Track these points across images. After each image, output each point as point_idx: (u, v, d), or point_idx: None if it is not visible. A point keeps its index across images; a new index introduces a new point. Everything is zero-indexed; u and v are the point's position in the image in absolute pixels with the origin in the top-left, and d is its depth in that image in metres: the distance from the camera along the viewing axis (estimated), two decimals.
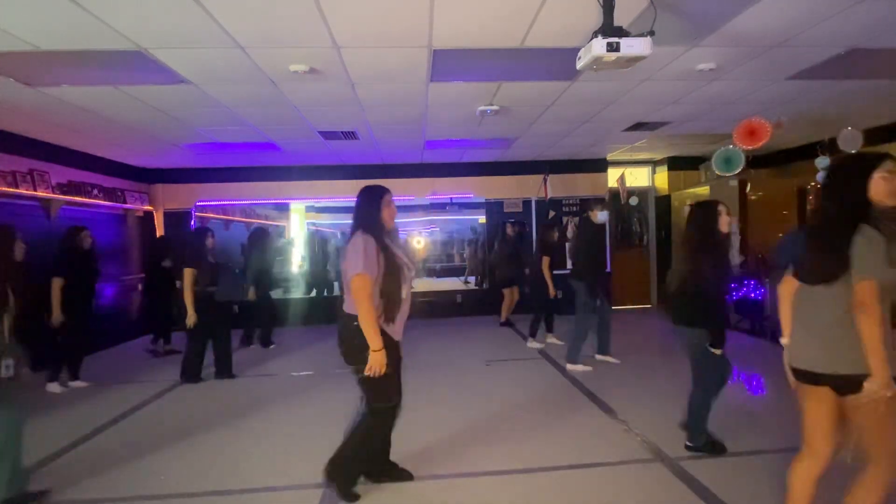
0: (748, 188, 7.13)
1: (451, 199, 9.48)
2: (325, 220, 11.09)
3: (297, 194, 8.35)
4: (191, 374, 4.98)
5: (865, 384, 1.78)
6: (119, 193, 7.03)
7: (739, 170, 5.67)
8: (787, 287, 2.07)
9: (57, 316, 4.57)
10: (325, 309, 7.93)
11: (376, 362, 2.43)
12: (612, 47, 2.55)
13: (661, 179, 8.79)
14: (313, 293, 9.13)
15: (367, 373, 2.44)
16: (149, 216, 7.79)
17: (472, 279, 10.12)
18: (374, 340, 2.41)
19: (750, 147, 5.09)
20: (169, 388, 4.80)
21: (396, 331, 2.61)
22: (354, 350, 2.48)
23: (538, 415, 3.83)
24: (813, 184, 6.53)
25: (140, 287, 6.37)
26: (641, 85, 4.40)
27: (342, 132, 5.84)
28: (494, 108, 4.95)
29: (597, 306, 4.96)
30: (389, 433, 2.81)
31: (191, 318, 4.70)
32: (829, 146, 6.07)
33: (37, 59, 3.38)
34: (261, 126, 5.46)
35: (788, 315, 2.07)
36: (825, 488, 2.04)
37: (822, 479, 2.00)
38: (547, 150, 7.39)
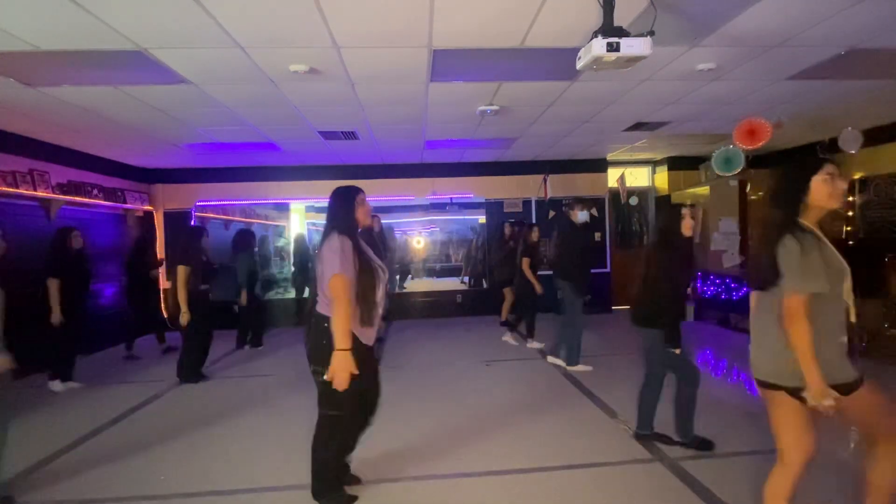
0: (748, 188, 7.14)
1: (451, 199, 9.47)
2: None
3: (297, 194, 8.34)
4: (189, 373, 4.99)
5: (804, 395, 1.78)
6: (119, 193, 7.03)
7: (739, 170, 5.68)
8: (754, 295, 2.08)
9: (56, 315, 4.58)
10: None
11: (340, 362, 2.31)
12: (612, 47, 2.55)
13: (661, 179, 8.79)
14: (306, 293, 9.12)
15: (327, 377, 2.34)
16: (149, 216, 7.80)
17: (467, 279, 10.12)
18: (342, 340, 2.33)
19: (750, 147, 5.09)
20: (169, 388, 4.80)
21: (369, 336, 2.54)
22: (319, 351, 2.40)
23: (538, 415, 3.83)
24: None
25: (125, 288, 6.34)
26: (641, 85, 4.41)
27: (342, 132, 5.84)
28: (494, 108, 4.95)
29: (575, 306, 4.95)
30: (352, 442, 2.68)
31: (184, 317, 4.71)
32: (829, 146, 6.08)
33: (37, 59, 3.38)
34: (261, 126, 5.46)
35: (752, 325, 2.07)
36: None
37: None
38: (547, 150, 7.39)
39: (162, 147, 6.31)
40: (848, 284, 1.86)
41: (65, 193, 5.95)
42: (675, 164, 8.48)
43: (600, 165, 8.44)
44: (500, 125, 5.75)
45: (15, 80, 3.78)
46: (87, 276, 5.05)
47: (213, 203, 8.38)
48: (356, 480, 2.83)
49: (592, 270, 8.02)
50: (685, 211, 3.01)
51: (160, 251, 7.69)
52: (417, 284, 10.14)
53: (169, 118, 5.00)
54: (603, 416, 3.78)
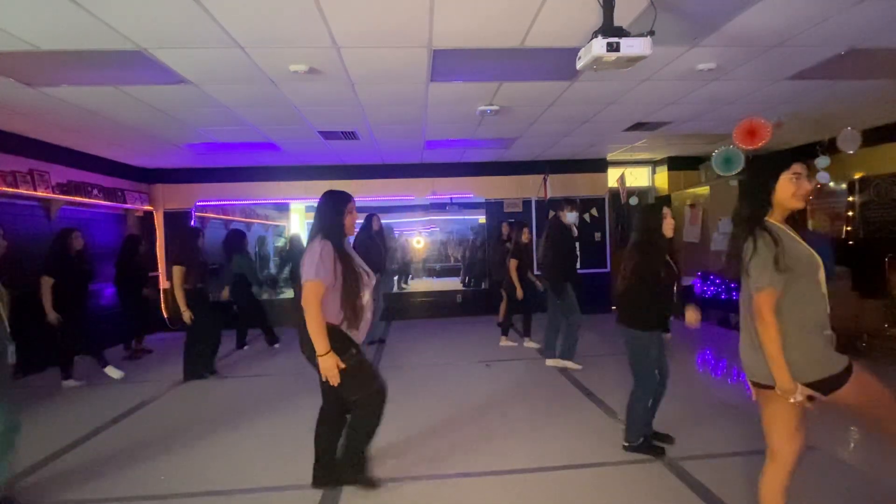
0: None
1: (451, 199, 9.48)
2: None
3: (297, 194, 8.34)
4: (193, 371, 5.03)
5: (776, 391, 1.81)
6: (119, 193, 7.03)
7: (739, 170, 5.68)
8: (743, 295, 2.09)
9: (50, 313, 4.62)
10: None
11: (324, 365, 2.43)
12: (612, 47, 2.55)
13: (661, 179, 8.79)
14: None
15: (324, 378, 2.48)
16: (149, 216, 7.80)
17: (466, 279, 10.13)
18: (320, 345, 2.41)
19: (750, 147, 5.09)
20: (169, 388, 4.80)
21: (359, 336, 2.60)
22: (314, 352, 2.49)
23: (538, 415, 3.83)
24: (813, 184, 6.54)
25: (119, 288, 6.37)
26: (641, 85, 4.41)
27: (342, 132, 5.84)
28: (494, 108, 4.95)
29: (565, 305, 4.97)
30: (379, 417, 2.75)
31: (185, 315, 4.75)
32: (829, 146, 6.08)
33: (37, 59, 3.38)
34: (261, 126, 5.46)
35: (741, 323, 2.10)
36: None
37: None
38: (547, 150, 7.39)
39: (162, 147, 6.32)
40: (822, 276, 1.88)
41: (65, 193, 5.95)
42: (675, 164, 8.49)
43: (600, 165, 8.44)
44: (500, 125, 5.75)
45: (15, 80, 3.78)
46: (87, 276, 5.09)
47: (213, 203, 8.39)
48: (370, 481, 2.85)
49: (592, 270, 8.13)
50: (666, 210, 3.01)
51: (160, 251, 7.71)
52: (417, 284, 10.14)
53: (169, 118, 5.00)
54: (603, 416, 3.78)
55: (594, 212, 8.46)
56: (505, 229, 7.00)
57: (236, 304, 6.32)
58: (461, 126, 5.76)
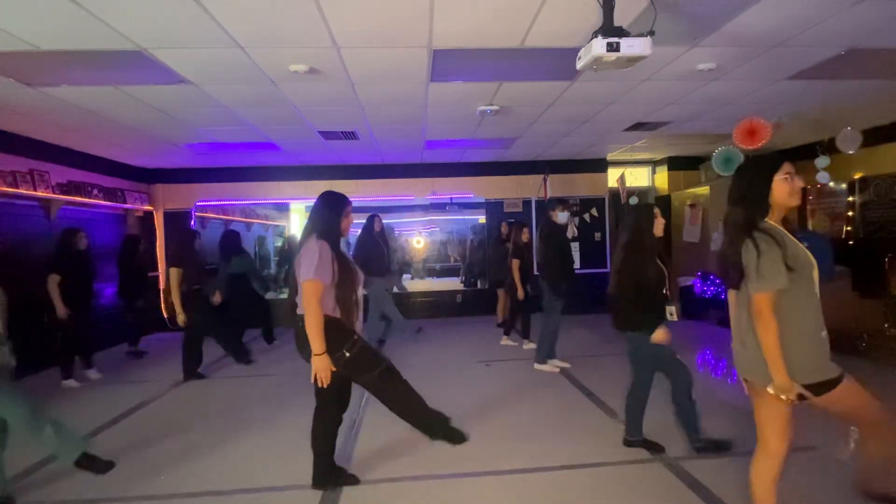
0: None
1: (451, 199, 9.48)
2: None
3: (297, 194, 8.34)
4: (192, 371, 5.05)
5: (769, 388, 1.85)
6: (119, 193, 7.03)
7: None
8: (731, 294, 2.10)
9: (61, 309, 4.68)
10: None
11: (319, 366, 2.46)
12: (612, 47, 2.55)
13: (661, 179, 8.80)
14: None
15: (313, 379, 2.50)
16: (149, 216, 7.80)
17: (464, 279, 10.14)
18: (317, 345, 2.44)
19: (750, 147, 5.09)
20: (169, 388, 4.81)
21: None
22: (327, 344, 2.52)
23: (537, 415, 3.83)
24: (813, 184, 6.54)
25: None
26: (641, 85, 4.41)
27: (342, 132, 5.84)
28: (494, 108, 4.95)
29: (549, 305, 4.96)
30: (405, 386, 2.82)
31: (180, 317, 4.77)
32: (829, 146, 6.08)
33: (37, 59, 3.38)
34: (261, 126, 5.46)
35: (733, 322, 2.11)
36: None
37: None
38: (547, 150, 7.39)
39: (162, 147, 6.31)
40: (816, 276, 1.91)
41: (65, 193, 5.95)
42: (675, 164, 8.49)
43: (600, 165, 8.44)
44: (500, 125, 5.75)
45: (15, 80, 3.78)
46: (90, 275, 5.12)
47: (213, 203, 8.39)
48: (354, 480, 2.84)
49: (592, 270, 8.13)
50: (656, 210, 3.02)
51: (160, 251, 7.71)
52: (417, 284, 10.14)
53: (169, 118, 5.00)
54: (603, 416, 3.78)
55: (594, 212, 8.46)
56: (504, 229, 7.01)
57: (233, 305, 6.31)
58: (461, 126, 5.76)
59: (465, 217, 10.81)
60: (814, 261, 1.90)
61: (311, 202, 2.77)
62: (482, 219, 9.16)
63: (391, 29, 3.12)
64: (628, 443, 3.20)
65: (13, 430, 2.77)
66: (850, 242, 6.29)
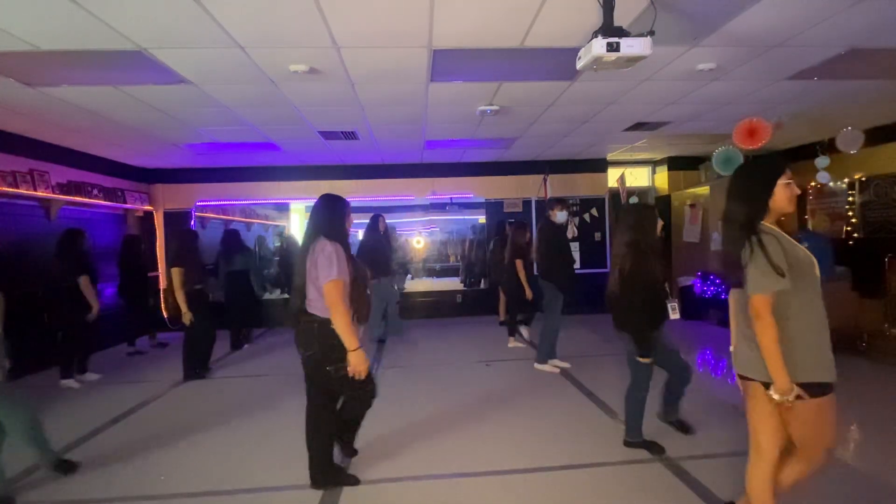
0: None
1: (451, 199, 9.47)
2: None
3: (297, 194, 8.35)
4: (192, 371, 5.07)
5: (770, 390, 1.86)
6: (119, 193, 7.03)
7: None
8: (734, 293, 2.10)
9: (96, 306, 4.93)
10: None
11: (358, 361, 2.55)
12: (612, 47, 2.55)
13: (661, 179, 8.80)
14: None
15: (352, 373, 2.57)
16: (149, 216, 7.80)
17: (463, 279, 10.15)
18: (352, 342, 2.54)
19: (750, 147, 5.09)
20: (169, 388, 4.81)
21: (358, 332, 2.72)
22: (334, 350, 2.56)
23: (538, 415, 3.83)
24: (813, 184, 6.55)
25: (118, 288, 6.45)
26: (641, 85, 4.41)
27: (342, 132, 5.84)
28: (494, 108, 4.95)
29: (550, 305, 4.99)
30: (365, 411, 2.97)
31: (186, 316, 4.79)
32: (829, 146, 6.08)
33: (37, 59, 3.38)
34: (261, 126, 5.46)
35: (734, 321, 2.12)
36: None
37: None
38: (547, 150, 7.39)
39: (162, 147, 6.32)
40: (818, 275, 1.93)
41: (65, 193, 5.95)
42: (675, 164, 8.49)
43: (600, 165, 8.44)
44: (500, 125, 5.75)
45: (15, 80, 3.78)
46: (93, 276, 5.13)
47: (213, 203, 8.38)
48: (354, 480, 2.85)
49: (592, 270, 8.13)
50: (656, 211, 3.07)
51: (160, 251, 7.71)
52: (417, 284, 10.14)
53: (169, 118, 5.00)
54: (603, 416, 3.78)
55: (594, 212, 8.46)
56: (506, 229, 7.01)
57: (235, 302, 6.34)
58: (461, 126, 5.76)
59: (465, 217, 10.81)
60: (815, 260, 1.92)
61: (311, 202, 2.78)
62: (482, 219, 9.16)
63: (391, 29, 3.12)
64: (628, 444, 3.20)
65: (8, 432, 2.78)
66: (850, 242, 6.29)
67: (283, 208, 10.82)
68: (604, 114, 5.40)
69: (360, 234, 6.90)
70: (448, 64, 3.75)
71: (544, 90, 4.50)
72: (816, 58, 3.81)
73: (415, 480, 2.88)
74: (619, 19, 2.71)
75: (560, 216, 5.04)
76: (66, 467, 3.06)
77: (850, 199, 6.32)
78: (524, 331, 6.27)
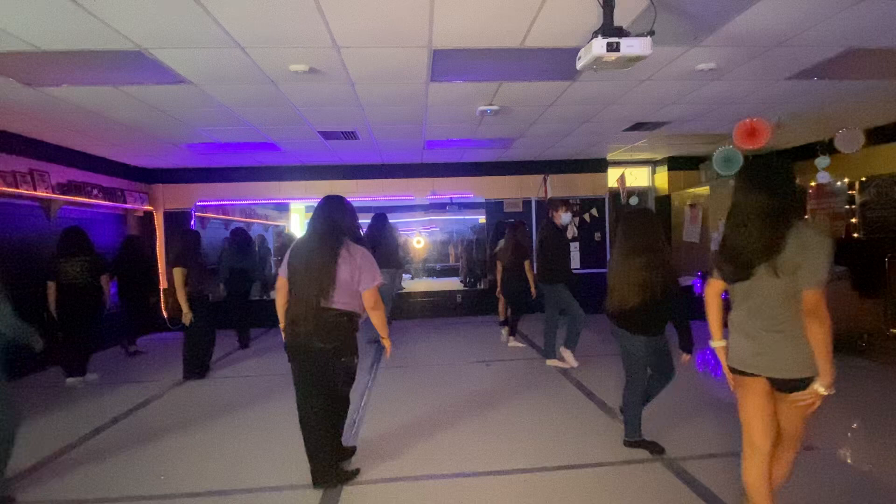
0: None
1: (451, 199, 9.48)
2: None
3: (297, 194, 8.35)
4: (192, 371, 5.08)
5: (816, 385, 1.88)
6: (119, 193, 7.03)
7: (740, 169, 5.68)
8: (741, 286, 2.11)
9: (108, 301, 5.15)
10: None
11: (389, 343, 2.98)
12: (612, 47, 2.55)
13: (661, 179, 8.80)
14: None
15: (387, 355, 3.00)
16: (149, 216, 7.80)
17: (464, 279, 10.16)
18: (386, 331, 2.93)
19: (750, 147, 5.09)
20: (169, 388, 4.81)
21: None
22: (351, 343, 2.77)
23: (538, 415, 3.83)
24: (813, 184, 6.55)
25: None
26: (641, 85, 4.41)
27: (342, 132, 5.84)
28: (494, 108, 4.95)
29: (570, 305, 5.02)
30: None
31: (187, 317, 4.81)
32: (829, 146, 6.08)
33: (37, 59, 3.38)
34: (261, 126, 5.46)
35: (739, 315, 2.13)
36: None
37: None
38: (547, 150, 7.39)
39: (162, 147, 6.32)
40: None
41: (65, 193, 5.95)
42: (675, 164, 8.49)
43: (600, 165, 8.44)
44: (500, 125, 5.75)
45: (15, 80, 3.78)
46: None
47: (213, 203, 8.39)
48: (356, 472, 2.97)
49: (592, 270, 8.13)
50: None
51: (160, 251, 7.72)
52: (417, 284, 10.15)
53: (169, 118, 5.00)
54: (603, 416, 3.78)
55: (594, 212, 8.46)
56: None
57: (235, 301, 6.40)
58: (461, 126, 5.76)
59: (465, 217, 10.81)
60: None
61: (311, 202, 2.82)
62: (482, 219, 9.16)
63: (391, 29, 3.12)
64: (628, 443, 3.20)
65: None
66: (850, 242, 6.28)
67: (283, 208, 10.83)
68: (604, 114, 5.40)
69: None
70: (448, 64, 3.75)
71: (544, 90, 4.50)
72: (816, 58, 3.81)
73: (415, 480, 2.88)
74: (619, 19, 2.71)
75: (564, 218, 5.06)
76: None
77: (851, 199, 6.32)
78: (504, 332, 6.33)
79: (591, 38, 2.62)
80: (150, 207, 7.77)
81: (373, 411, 4.03)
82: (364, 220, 6.49)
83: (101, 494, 2.84)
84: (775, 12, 3.01)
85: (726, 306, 2.24)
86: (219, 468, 3.11)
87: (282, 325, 2.78)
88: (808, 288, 1.82)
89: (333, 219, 2.73)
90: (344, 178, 7.98)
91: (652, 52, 2.59)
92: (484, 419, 3.77)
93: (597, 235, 8.48)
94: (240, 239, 6.52)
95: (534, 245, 5.89)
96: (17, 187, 5.28)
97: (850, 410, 3.70)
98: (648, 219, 3.06)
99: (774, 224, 1.87)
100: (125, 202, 7.13)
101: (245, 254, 6.48)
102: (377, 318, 2.83)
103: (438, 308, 8.52)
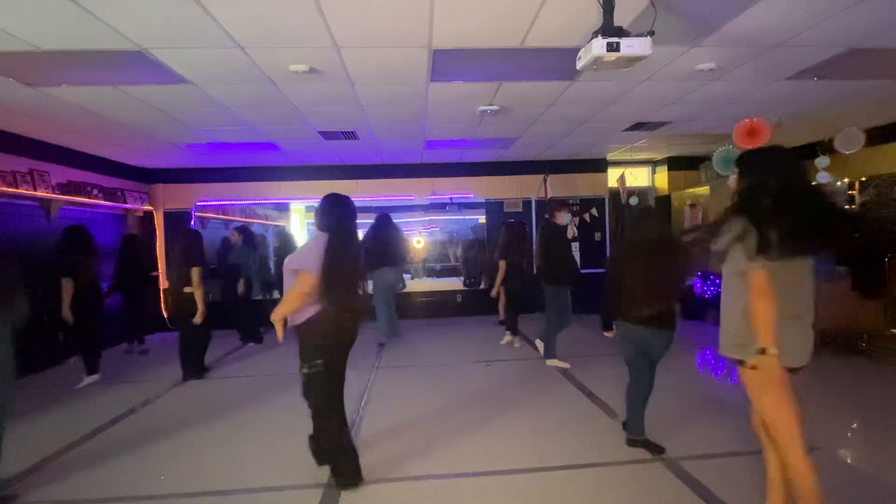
0: None
1: (451, 199, 9.47)
2: None
3: (297, 194, 8.34)
4: (193, 371, 5.08)
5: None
6: (119, 193, 7.03)
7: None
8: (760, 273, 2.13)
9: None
10: None
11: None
12: (612, 47, 2.55)
13: (661, 179, 8.80)
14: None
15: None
16: (149, 216, 7.80)
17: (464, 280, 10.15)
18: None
19: (750, 147, 5.09)
20: (169, 388, 4.81)
21: None
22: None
23: (538, 415, 3.83)
24: (813, 184, 6.54)
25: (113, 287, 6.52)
26: (641, 85, 4.41)
27: (342, 132, 5.84)
28: (494, 108, 4.95)
29: (560, 306, 5.04)
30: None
31: (200, 315, 4.83)
32: (829, 146, 6.08)
33: (37, 59, 3.38)
34: (261, 126, 5.46)
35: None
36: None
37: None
38: (547, 150, 7.39)
39: (162, 147, 6.31)
40: None
41: (65, 193, 5.95)
42: (675, 164, 8.49)
43: (600, 165, 8.44)
44: (500, 125, 5.75)
45: (15, 80, 3.78)
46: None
47: (213, 203, 8.39)
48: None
49: (592, 270, 8.12)
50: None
51: (160, 251, 7.72)
52: (417, 284, 10.14)
53: (169, 118, 5.00)
54: (603, 416, 3.78)
55: (594, 212, 8.46)
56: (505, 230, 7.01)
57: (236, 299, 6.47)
58: (461, 126, 5.76)
59: (466, 217, 10.80)
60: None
61: (311, 202, 2.84)
62: (482, 219, 9.16)
63: (391, 29, 3.12)
64: (632, 442, 3.19)
65: None
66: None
67: (283, 208, 10.82)
68: (604, 114, 5.40)
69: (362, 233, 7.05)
70: (448, 64, 3.75)
71: (544, 90, 4.50)
72: (816, 58, 3.81)
73: (415, 480, 2.88)
74: (619, 19, 2.71)
75: (565, 219, 5.08)
76: None
77: (851, 199, 6.31)
78: (507, 336, 6.33)
79: (591, 38, 2.62)
80: (150, 207, 7.77)
81: (373, 411, 4.03)
82: (363, 221, 6.54)
83: (101, 494, 2.84)
84: (775, 12, 3.02)
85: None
86: (219, 468, 3.11)
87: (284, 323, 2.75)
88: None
89: (352, 227, 2.85)
90: (344, 178, 7.97)
91: (652, 52, 2.59)
92: (484, 419, 3.77)
93: (597, 235, 8.48)
94: (248, 237, 6.66)
95: (534, 246, 5.89)
96: (17, 187, 5.28)
97: (851, 410, 3.70)
98: (657, 217, 3.16)
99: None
100: (125, 202, 7.13)
101: (253, 252, 6.65)
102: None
103: (438, 308, 8.52)
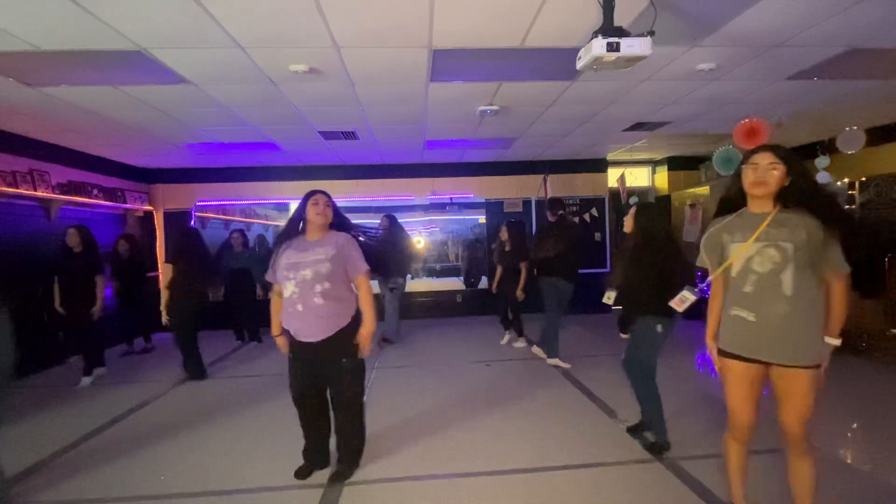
0: None
1: (451, 199, 9.47)
2: None
3: (297, 194, 8.30)
4: (196, 371, 5.08)
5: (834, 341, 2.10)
6: (119, 193, 7.03)
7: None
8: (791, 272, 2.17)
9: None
10: None
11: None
12: (612, 47, 2.55)
13: (661, 179, 8.80)
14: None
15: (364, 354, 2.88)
16: (149, 216, 7.80)
17: (464, 280, 10.15)
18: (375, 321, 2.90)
19: (750, 147, 5.09)
20: (169, 388, 4.81)
21: None
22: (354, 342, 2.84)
23: (538, 415, 3.83)
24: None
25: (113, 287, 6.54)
26: (641, 85, 4.41)
27: (342, 132, 5.84)
28: (494, 108, 4.95)
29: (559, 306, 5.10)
30: None
31: (164, 316, 4.83)
32: (830, 146, 6.08)
33: (37, 59, 3.38)
34: (261, 126, 5.46)
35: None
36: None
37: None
38: (547, 150, 7.39)
39: (162, 147, 6.31)
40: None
41: (65, 193, 5.95)
42: (675, 164, 8.49)
43: (600, 165, 8.44)
44: (500, 125, 5.75)
45: (15, 80, 3.78)
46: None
47: (213, 203, 8.39)
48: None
49: (592, 271, 8.12)
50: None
51: (160, 251, 7.72)
52: (417, 284, 10.14)
53: (169, 118, 5.00)
54: (603, 416, 3.78)
55: (594, 212, 8.46)
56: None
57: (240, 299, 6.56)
58: (461, 126, 5.76)
59: (466, 217, 10.81)
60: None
61: None
62: (482, 219, 9.16)
63: (391, 29, 3.12)
64: (653, 445, 3.18)
65: None
66: None
67: (283, 208, 10.82)
68: (604, 114, 5.40)
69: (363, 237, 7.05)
70: (448, 64, 3.75)
71: (544, 90, 4.50)
72: (816, 58, 3.81)
73: (414, 480, 2.88)
74: (619, 19, 2.71)
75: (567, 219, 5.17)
76: None
77: (851, 199, 6.31)
78: (507, 335, 6.34)
79: (591, 38, 2.62)
80: (150, 207, 7.77)
81: (373, 411, 4.03)
82: (365, 220, 6.52)
83: (101, 494, 2.84)
84: (775, 12, 3.02)
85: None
86: (219, 468, 3.11)
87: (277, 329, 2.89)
88: (844, 270, 2.06)
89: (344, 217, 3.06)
90: (344, 178, 7.98)
91: (652, 52, 2.59)
92: (484, 419, 3.77)
93: (597, 235, 8.48)
94: (243, 239, 6.72)
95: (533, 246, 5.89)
96: (18, 187, 5.28)
97: (851, 410, 3.70)
98: (661, 212, 3.22)
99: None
100: (125, 202, 7.13)
101: (248, 254, 6.70)
102: (371, 304, 2.89)
103: (439, 308, 8.52)
